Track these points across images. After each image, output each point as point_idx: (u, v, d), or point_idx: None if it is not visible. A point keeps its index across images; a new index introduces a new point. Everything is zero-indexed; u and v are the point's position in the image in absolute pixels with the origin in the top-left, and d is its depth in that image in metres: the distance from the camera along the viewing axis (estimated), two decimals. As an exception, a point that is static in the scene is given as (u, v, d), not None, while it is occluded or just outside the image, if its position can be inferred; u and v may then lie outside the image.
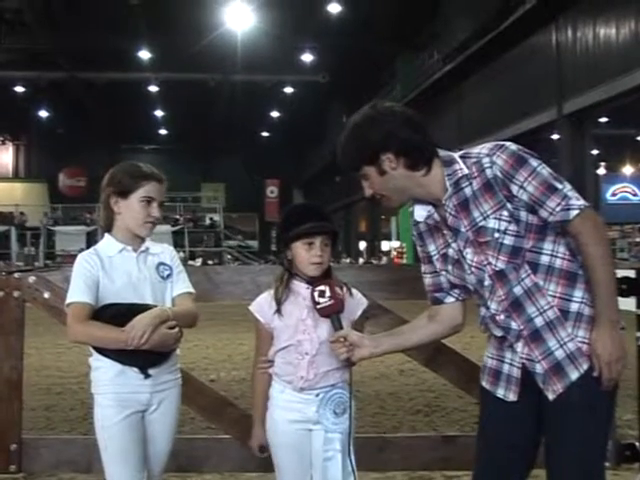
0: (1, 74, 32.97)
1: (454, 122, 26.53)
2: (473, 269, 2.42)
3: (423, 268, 2.64)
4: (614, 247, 27.59)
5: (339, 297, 2.63)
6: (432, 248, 2.56)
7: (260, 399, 2.81)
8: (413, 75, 30.07)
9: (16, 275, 3.93)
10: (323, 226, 2.70)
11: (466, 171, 2.40)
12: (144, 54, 32.08)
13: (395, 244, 35.81)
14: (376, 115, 2.43)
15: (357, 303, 2.80)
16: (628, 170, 35.36)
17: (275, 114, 43.86)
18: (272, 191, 49.19)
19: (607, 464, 3.87)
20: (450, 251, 2.48)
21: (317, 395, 2.70)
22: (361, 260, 37.47)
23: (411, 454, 3.99)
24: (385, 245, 40.56)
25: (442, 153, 2.46)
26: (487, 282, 2.40)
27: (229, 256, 35.72)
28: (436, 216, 2.49)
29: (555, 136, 22.02)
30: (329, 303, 2.61)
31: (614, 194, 33.95)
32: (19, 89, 36.05)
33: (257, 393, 2.83)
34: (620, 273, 3.87)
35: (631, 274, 3.87)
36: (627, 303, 3.94)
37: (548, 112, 20.60)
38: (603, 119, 26.49)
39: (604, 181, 33.58)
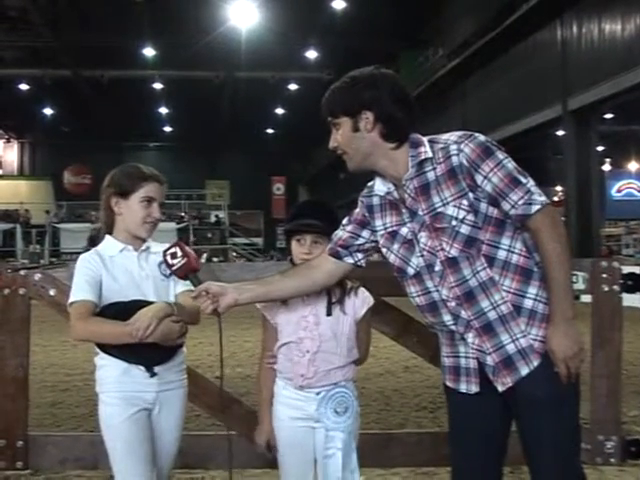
0: (6, 72, 32.99)
1: (459, 119, 26.49)
2: (425, 253, 2.44)
3: (347, 223, 2.67)
4: (619, 243, 27.54)
5: (192, 255, 2.62)
6: (379, 223, 2.58)
7: (265, 395, 2.82)
8: (417, 72, 30.01)
9: (22, 272, 3.94)
10: (308, 224, 2.72)
11: (430, 154, 2.42)
12: (148, 51, 32.03)
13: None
14: (376, 77, 2.47)
15: (362, 302, 2.80)
16: (633, 166, 35.33)
17: (280, 111, 43.83)
18: (279, 188, 49.21)
19: (612, 460, 3.90)
20: (404, 230, 2.49)
21: (318, 393, 2.70)
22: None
23: (416, 450, 3.99)
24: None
25: (413, 135, 2.48)
26: (438, 267, 2.42)
27: (234, 253, 35.76)
28: (395, 194, 2.51)
29: (560, 132, 22.00)
30: (183, 262, 2.60)
31: (619, 190, 33.95)
32: (24, 87, 36.06)
33: (262, 389, 2.84)
34: (626, 269, 3.87)
35: (637, 270, 3.87)
36: (633, 299, 3.95)
37: (553, 108, 20.55)
38: (608, 115, 26.47)
39: (609, 177, 33.59)
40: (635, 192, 34.38)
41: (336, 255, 2.66)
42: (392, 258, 2.54)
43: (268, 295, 2.69)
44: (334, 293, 2.73)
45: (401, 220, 2.50)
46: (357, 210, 2.66)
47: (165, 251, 2.63)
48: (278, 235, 41.64)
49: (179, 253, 2.61)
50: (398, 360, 8.27)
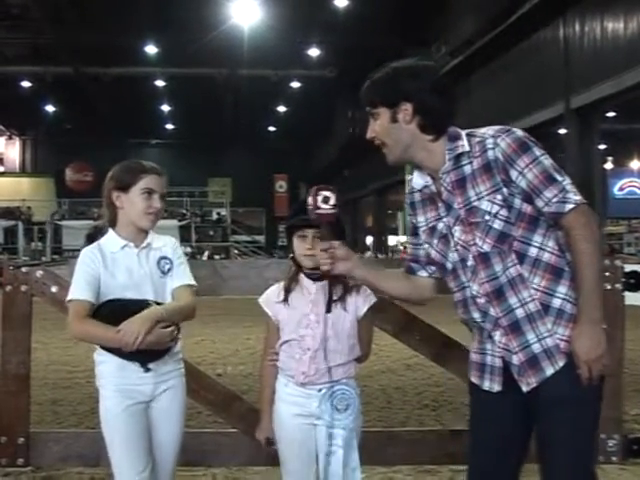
0: (7, 69, 33.05)
1: (462, 117, 26.29)
2: (459, 247, 2.43)
3: (409, 238, 2.69)
4: (621, 242, 27.54)
5: (339, 208, 2.54)
6: (421, 219, 2.58)
7: (267, 392, 2.82)
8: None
9: (24, 269, 3.95)
10: (311, 220, 2.69)
11: (467, 148, 2.42)
12: (151, 49, 32.07)
13: (402, 238, 35.82)
14: (417, 68, 2.47)
15: (364, 300, 2.78)
16: (635, 165, 35.28)
17: (282, 108, 43.85)
18: (281, 186, 49.24)
19: (614, 458, 3.90)
20: (440, 225, 2.49)
21: (319, 390, 2.70)
22: (369, 254, 37.47)
23: (418, 448, 4.00)
24: (392, 239, 40.60)
25: (451, 128, 2.49)
26: (470, 262, 2.41)
27: (236, 251, 35.75)
28: (433, 188, 2.50)
29: (562, 131, 21.95)
30: (331, 211, 2.50)
31: (621, 189, 33.84)
32: (25, 84, 36.07)
33: (264, 386, 2.84)
34: (628, 268, 3.87)
35: (639, 269, 3.87)
36: (635, 298, 3.94)
37: (555, 107, 20.52)
38: (611, 114, 26.45)
39: (611, 176, 33.50)
40: (637, 191, 34.25)
41: (410, 271, 2.66)
42: (433, 254, 2.54)
43: (378, 283, 2.67)
44: (335, 291, 2.72)
45: (438, 215, 2.50)
46: (409, 218, 2.66)
47: (320, 189, 2.50)
48: (280, 233, 41.61)
49: (332, 201, 2.50)
50: (400, 358, 8.26)
